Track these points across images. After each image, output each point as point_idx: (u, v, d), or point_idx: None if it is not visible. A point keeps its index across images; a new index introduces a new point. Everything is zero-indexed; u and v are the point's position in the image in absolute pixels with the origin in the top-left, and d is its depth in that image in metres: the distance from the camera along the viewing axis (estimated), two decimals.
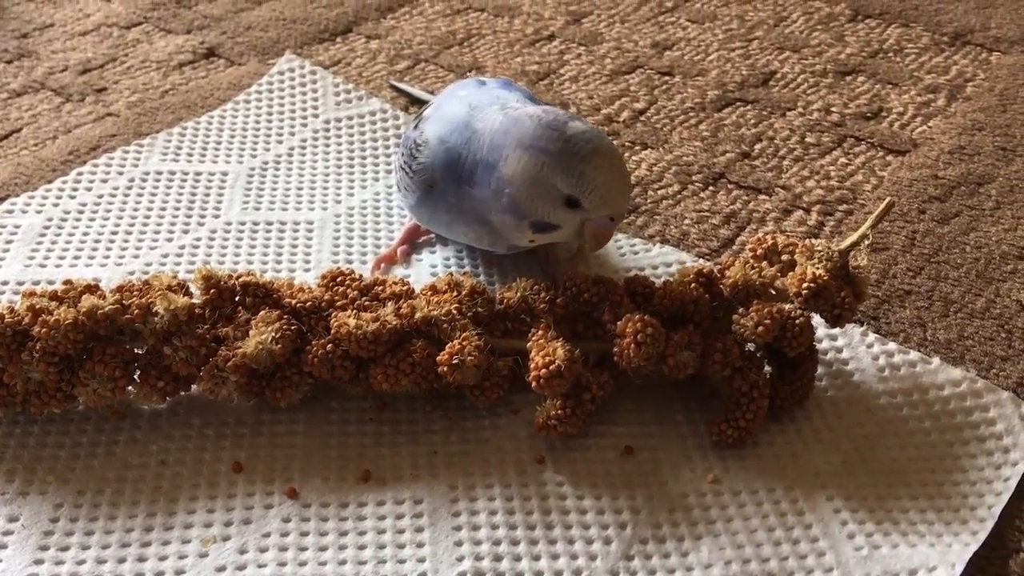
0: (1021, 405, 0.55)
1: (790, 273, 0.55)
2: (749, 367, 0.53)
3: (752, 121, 0.83)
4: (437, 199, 0.59)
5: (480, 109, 0.58)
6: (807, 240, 0.56)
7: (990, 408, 0.55)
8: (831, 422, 0.55)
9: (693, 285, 0.54)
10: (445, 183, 0.58)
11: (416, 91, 0.85)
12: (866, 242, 0.55)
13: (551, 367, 0.50)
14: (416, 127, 0.62)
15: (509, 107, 0.57)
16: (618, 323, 0.52)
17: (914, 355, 0.58)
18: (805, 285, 0.53)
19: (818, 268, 0.54)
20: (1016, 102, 0.85)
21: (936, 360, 0.58)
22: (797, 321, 0.53)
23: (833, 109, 0.85)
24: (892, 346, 0.59)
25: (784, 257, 0.56)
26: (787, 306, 0.54)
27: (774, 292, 0.55)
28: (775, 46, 0.95)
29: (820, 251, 0.55)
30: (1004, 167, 0.77)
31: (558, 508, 0.50)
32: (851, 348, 0.59)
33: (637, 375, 0.53)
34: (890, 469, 0.52)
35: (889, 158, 0.78)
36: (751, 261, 0.56)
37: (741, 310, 0.53)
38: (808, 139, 0.81)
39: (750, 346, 0.54)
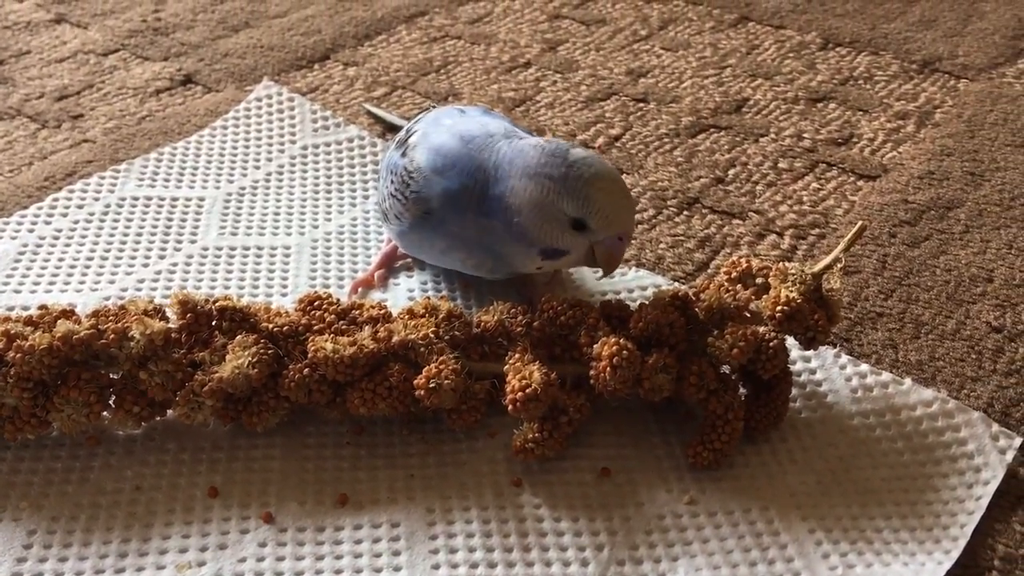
0: (992, 425, 0.55)
1: (764, 296, 0.55)
2: (724, 389, 0.54)
3: (726, 147, 0.84)
4: (434, 227, 0.60)
5: (475, 140, 0.58)
6: (781, 263, 0.57)
7: (961, 428, 0.55)
8: (805, 443, 0.56)
9: (668, 308, 0.54)
10: (444, 212, 0.58)
11: (388, 115, 0.85)
12: (839, 265, 0.56)
13: (527, 391, 0.50)
14: (404, 155, 0.62)
15: (512, 136, 0.58)
16: (594, 346, 0.52)
17: (886, 376, 0.59)
18: (779, 308, 0.53)
19: (792, 291, 0.54)
20: (984, 128, 0.87)
21: (908, 381, 0.59)
22: (771, 344, 0.54)
23: (805, 135, 0.86)
24: (864, 367, 0.60)
25: (758, 280, 0.57)
26: (761, 329, 0.54)
27: (748, 315, 0.55)
28: (748, 74, 0.97)
29: (794, 274, 0.55)
30: (973, 191, 0.78)
31: (535, 530, 0.50)
32: (824, 370, 0.60)
33: (613, 398, 0.53)
34: (864, 489, 0.53)
35: (860, 183, 0.80)
36: (726, 284, 0.57)
37: (716, 332, 0.54)
38: (781, 165, 0.82)
39: (725, 368, 0.55)
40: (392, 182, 0.62)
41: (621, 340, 0.52)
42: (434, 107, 0.73)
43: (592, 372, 0.52)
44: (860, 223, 0.57)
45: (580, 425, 0.54)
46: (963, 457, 0.54)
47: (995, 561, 0.50)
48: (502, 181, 0.56)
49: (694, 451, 0.53)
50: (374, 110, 0.86)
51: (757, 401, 0.55)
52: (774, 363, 0.54)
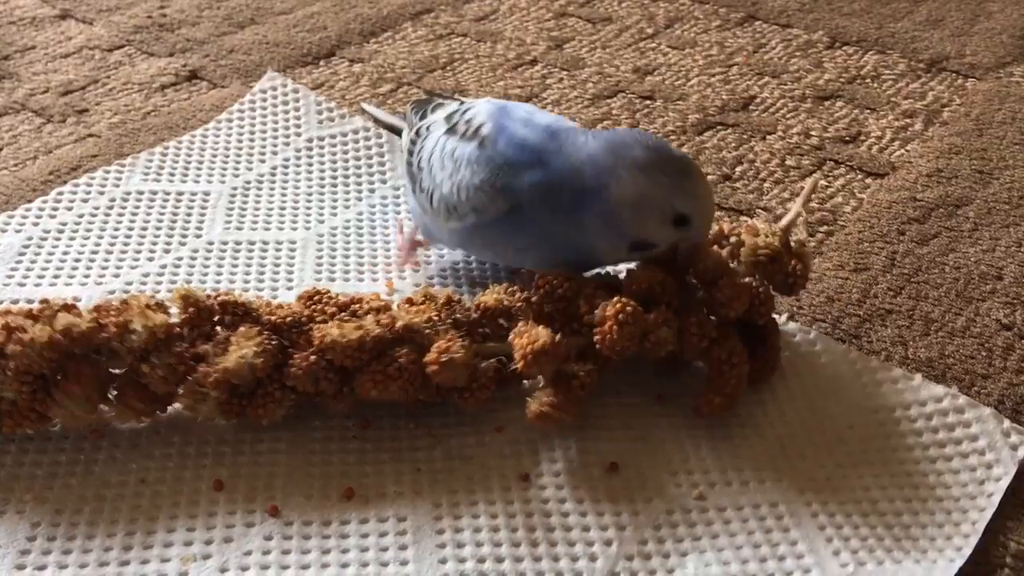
0: (1003, 421, 0.55)
1: (742, 249, 0.57)
2: (725, 336, 0.55)
3: (733, 144, 0.84)
4: (519, 223, 0.58)
5: (559, 135, 0.57)
6: (750, 221, 0.59)
7: (972, 424, 0.55)
8: (815, 439, 0.55)
9: (655, 270, 0.56)
10: (533, 209, 0.57)
11: (385, 115, 0.83)
12: (800, 219, 0.60)
13: (536, 344, 0.51)
14: (481, 145, 0.59)
15: (592, 131, 0.58)
16: (596, 312, 0.53)
17: (896, 372, 0.59)
18: (760, 252, 0.56)
19: (768, 238, 0.57)
20: (992, 127, 0.87)
21: (918, 377, 0.58)
22: (760, 290, 0.57)
23: (812, 133, 0.86)
24: (874, 364, 0.59)
25: (732, 239, 0.59)
26: (747, 279, 0.57)
27: (734, 268, 0.57)
28: (754, 72, 0.96)
29: (763, 229, 0.58)
30: (981, 190, 0.78)
31: (543, 525, 0.50)
32: (834, 366, 0.60)
33: (619, 357, 0.53)
34: (874, 485, 0.52)
35: (868, 180, 0.79)
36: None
37: (703, 290, 0.56)
38: (788, 162, 0.81)
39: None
40: (474, 172, 0.58)
41: (623, 299, 0.53)
42: (433, 96, 0.71)
43: (597, 336, 0.53)
44: (814, 176, 0.59)
45: (591, 390, 0.54)
46: (974, 453, 0.54)
47: (1007, 558, 0.49)
48: (600, 175, 0.55)
49: (705, 399, 0.55)
50: (371, 110, 0.84)
51: (753, 354, 0.57)
52: (767, 307, 0.57)
